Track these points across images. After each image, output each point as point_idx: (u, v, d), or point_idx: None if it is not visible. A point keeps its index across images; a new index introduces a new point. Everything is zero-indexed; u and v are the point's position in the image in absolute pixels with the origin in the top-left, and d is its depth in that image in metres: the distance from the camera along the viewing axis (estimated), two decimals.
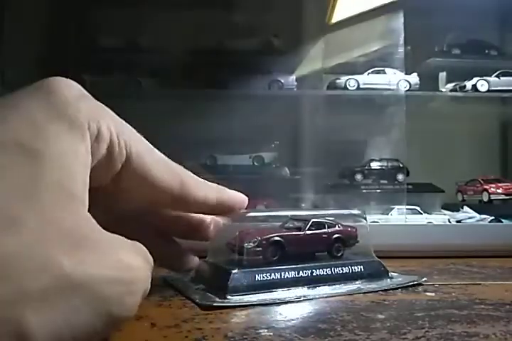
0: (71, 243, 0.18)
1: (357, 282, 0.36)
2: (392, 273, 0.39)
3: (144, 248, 0.23)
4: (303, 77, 1.14)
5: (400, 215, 0.98)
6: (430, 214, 1.00)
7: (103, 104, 0.23)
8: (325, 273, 0.36)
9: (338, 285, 0.35)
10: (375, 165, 1.11)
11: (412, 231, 0.58)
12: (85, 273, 0.18)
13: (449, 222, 0.93)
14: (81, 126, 0.21)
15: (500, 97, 1.12)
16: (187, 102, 1.04)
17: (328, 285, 0.35)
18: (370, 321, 0.27)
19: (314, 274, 0.35)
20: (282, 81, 1.12)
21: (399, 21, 1.03)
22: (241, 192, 0.33)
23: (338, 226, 0.39)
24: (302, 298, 0.32)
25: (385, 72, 1.12)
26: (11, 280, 0.16)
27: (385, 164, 1.11)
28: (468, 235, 0.57)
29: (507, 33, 1.19)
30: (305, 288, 0.34)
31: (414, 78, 1.12)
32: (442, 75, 1.17)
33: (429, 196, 1.08)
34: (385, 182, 1.08)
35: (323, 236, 0.38)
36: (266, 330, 0.25)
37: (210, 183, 0.29)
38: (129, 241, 0.22)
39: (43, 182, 0.18)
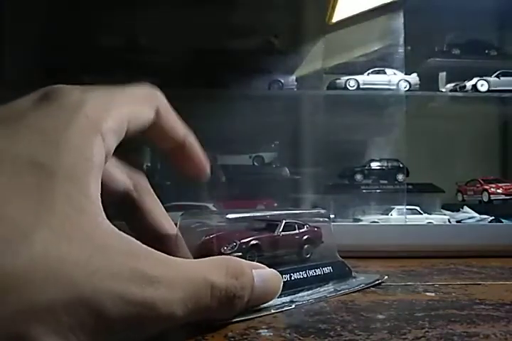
0: (82, 256, 0.18)
1: (329, 284, 0.35)
2: (354, 273, 0.39)
3: (179, 260, 0.22)
4: (303, 77, 1.14)
5: (399, 215, 0.98)
6: (430, 214, 1.00)
7: None
8: (301, 276, 0.34)
9: (315, 289, 0.34)
10: (375, 165, 1.11)
11: (412, 231, 0.58)
12: (94, 286, 0.17)
13: (449, 222, 0.93)
14: (92, 132, 0.21)
15: (500, 97, 1.12)
16: (187, 102, 1.04)
17: (307, 289, 0.33)
18: (370, 321, 0.27)
19: (293, 278, 0.33)
20: (282, 81, 1.12)
21: (399, 21, 1.02)
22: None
23: (307, 227, 0.38)
24: (294, 305, 0.30)
25: (385, 72, 1.12)
26: (20, 293, 0.16)
27: (385, 164, 1.10)
28: (468, 235, 0.57)
29: (507, 33, 1.19)
30: (288, 294, 0.32)
31: (414, 78, 1.12)
32: (442, 75, 1.17)
33: (429, 196, 1.08)
34: (385, 182, 1.08)
35: (296, 237, 0.37)
36: (266, 330, 0.25)
37: (179, 122, 0.29)
38: (161, 253, 0.21)
39: (54, 197, 0.18)
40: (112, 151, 0.22)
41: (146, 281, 0.19)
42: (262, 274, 0.27)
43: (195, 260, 0.24)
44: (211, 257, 0.25)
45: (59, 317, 0.16)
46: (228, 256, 0.26)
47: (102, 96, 0.23)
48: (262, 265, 0.28)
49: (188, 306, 0.21)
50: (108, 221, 0.20)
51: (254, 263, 0.28)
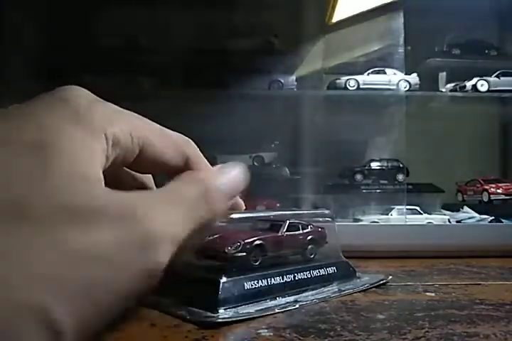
0: (81, 219, 0.18)
1: (333, 284, 0.36)
2: (358, 273, 0.39)
3: (195, 199, 0.23)
4: (303, 77, 1.14)
5: (399, 215, 0.98)
6: (430, 214, 1.00)
7: None
8: (305, 276, 0.34)
9: (319, 289, 0.34)
10: (375, 165, 1.11)
11: (412, 231, 0.58)
12: (89, 245, 0.18)
13: (449, 222, 0.93)
14: (96, 132, 0.21)
15: (500, 97, 1.12)
16: (187, 102, 1.04)
17: (311, 289, 0.34)
18: (370, 321, 0.27)
19: (297, 278, 0.34)
20: (282, 81, 1.12)
21: (399, 21, 1.03)
22: (240, 192, 0.33)
23: (311, 227, 0.38)
24: (298, 305, 0.30)
25: (385, 72, 1.12)
26: (24, 266, 0.16)
27: (385, 164, 1.11)
28: (468, 235, 0.57)
29: (507, 33, 1.19)
30: (291, 294, 0.32)
31: (414, 78, 1.12)
32: (442, 75, 1.17)
33: (429, 196, 1.08)
34: (385, 182, 1.08)
35: (300, 237, 0.37)
36: (266, 330, 0.25)
37: (210, 167, 0.29)
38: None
39: (52, 168, 0.18)
40: (111, 159, 0.22)
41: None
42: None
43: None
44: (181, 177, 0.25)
45: (64, 282, 0.17)
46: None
47: (113, 109, 0.23)
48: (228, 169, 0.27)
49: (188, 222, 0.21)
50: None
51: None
